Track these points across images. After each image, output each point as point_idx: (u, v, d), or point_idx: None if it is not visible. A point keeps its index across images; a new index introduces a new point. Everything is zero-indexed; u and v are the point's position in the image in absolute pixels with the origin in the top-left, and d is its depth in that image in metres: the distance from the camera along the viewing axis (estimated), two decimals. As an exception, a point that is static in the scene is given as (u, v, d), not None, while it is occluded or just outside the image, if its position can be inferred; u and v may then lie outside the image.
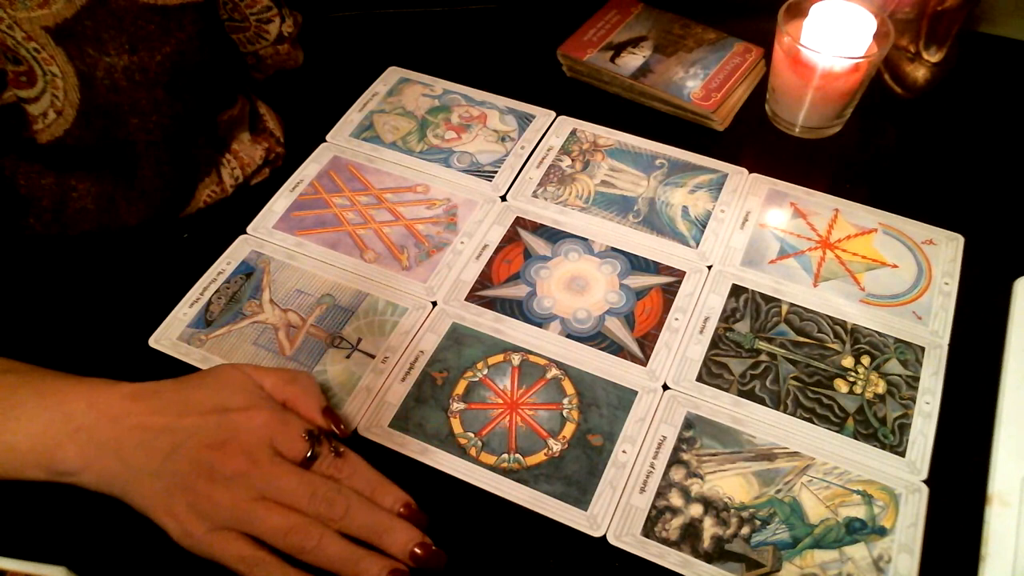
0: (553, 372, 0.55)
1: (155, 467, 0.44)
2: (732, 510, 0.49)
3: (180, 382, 0.48)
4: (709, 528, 0.48)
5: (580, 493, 0.49)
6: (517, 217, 0.63)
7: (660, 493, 0.49)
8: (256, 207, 0.64)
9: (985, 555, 0.47)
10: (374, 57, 0.75)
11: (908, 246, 0.61)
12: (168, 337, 0.56)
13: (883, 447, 0.51)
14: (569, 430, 0.52)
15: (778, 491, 0.49)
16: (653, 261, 0.60)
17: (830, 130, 0.69)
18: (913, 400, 0.53)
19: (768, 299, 0.58)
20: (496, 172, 0.66)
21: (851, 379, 0.54)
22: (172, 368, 0.55)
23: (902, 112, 0.71)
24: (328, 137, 0.69)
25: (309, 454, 0.45)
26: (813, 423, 0.52)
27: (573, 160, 0.67)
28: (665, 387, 0.54)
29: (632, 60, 0.72)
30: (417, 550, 0.44)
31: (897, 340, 0.56)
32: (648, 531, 0.48)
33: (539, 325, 0.57)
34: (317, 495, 0.44)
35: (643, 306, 0.58)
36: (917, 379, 0.54)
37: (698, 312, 0.57)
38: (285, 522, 0.43)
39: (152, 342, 0.56)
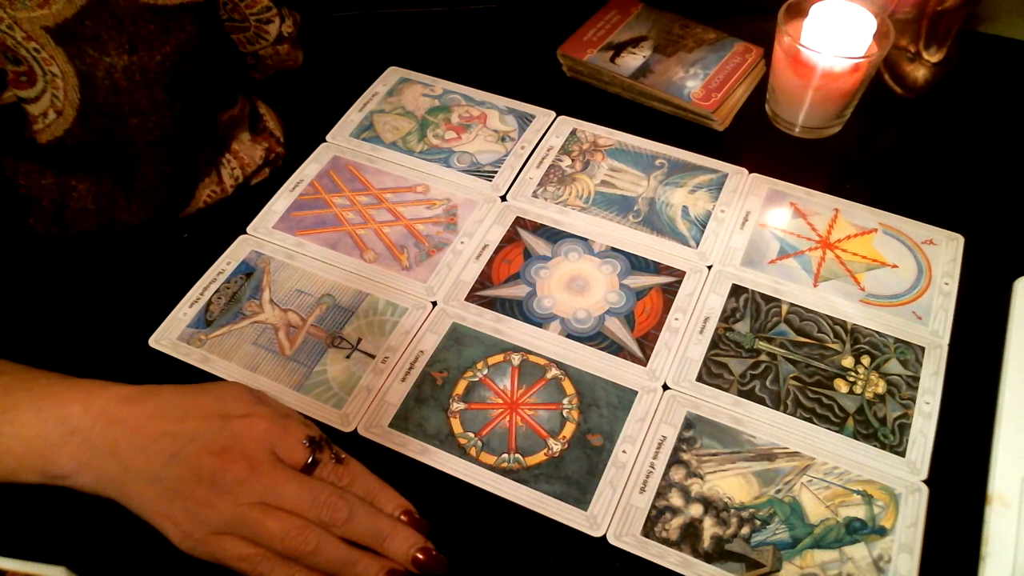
0: (553, 372, 0.55)
1: (155, 471, 0.44)
2: (732, 510, 0.49)
3: (179, 387, 0.47)
4: (709, 528, 0.48)
5: (580, 493, 0.49)
6: (517, 217, 0.63)
7: (660, 493, 0.49)
8: (256, 207, 0.63)
9: (985, 555, 0.47)
10: (374, 57, 0.75)
11: (908, 246, 0.61)
12: (168, 337, 0.56)
13: (883, 447, 0.51)
14: (569, 430, 0.52)
15: (778, 491, 0.49)
16: (653, 261, 0.60)
17: (830, 130, 0.69)
18: (913, 400, 0.53)
19: (768, 299, 0.58)
20: (496, 172, 0.66)
21: (851, 379, 0.54)
22: (172, 368, 0.55)
23: (902, 112, 0.71)
24: (328, 137, 0.69)
25: (310, 460, 0.45)
26: (813, 423, 0.52)
27: (573, 160, 0.67)
28: (665, 387, 0.54)
29: (632, 60, 0.72)
30: (419, 555, 0.44)
31: (897, 340, 0.56)
32: (648, 531, 0.48)
33: (539, 325, 0.57)
34: (319, 500, 0.44)
35: (643, 306, 0.58)
36: (917, 379, 0.54)
37: (698, 312, 0.57)
38: (282, 526, 0.43)
39: (152, 342, 0.56)
